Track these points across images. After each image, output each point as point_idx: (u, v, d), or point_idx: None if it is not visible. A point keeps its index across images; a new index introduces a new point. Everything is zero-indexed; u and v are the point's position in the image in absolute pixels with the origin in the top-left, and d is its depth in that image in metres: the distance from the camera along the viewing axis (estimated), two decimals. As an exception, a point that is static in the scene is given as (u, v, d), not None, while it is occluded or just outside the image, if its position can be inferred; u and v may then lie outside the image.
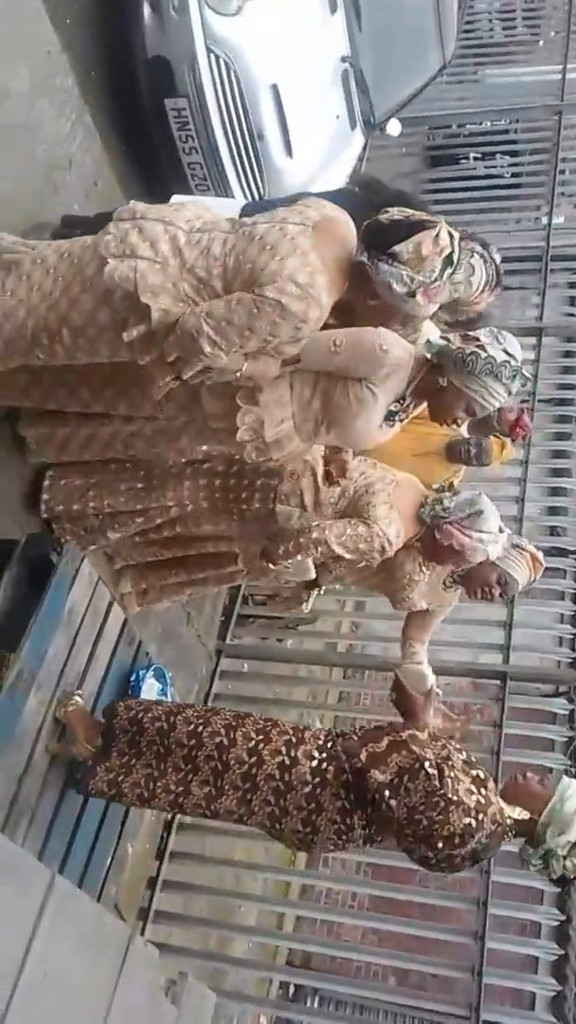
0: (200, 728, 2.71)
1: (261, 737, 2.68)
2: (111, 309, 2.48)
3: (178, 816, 4.14)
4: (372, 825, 2.64)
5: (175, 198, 3.15)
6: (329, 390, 2.65)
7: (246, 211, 3.39)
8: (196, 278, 2.45)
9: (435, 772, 2.47)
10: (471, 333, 2.69)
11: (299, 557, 3.05)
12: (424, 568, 3.32)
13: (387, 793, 2.50)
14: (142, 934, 3.73)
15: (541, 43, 8.77)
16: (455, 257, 2.38)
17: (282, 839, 2.75)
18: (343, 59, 4.57)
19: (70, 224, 3.47)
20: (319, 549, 3.01)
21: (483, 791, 2.50)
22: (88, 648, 3.22)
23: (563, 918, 4.48)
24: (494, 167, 7.82)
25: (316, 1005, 5.89)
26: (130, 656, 3.51)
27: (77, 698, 3.05)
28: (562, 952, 4.53)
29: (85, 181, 3.80)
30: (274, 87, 4.09)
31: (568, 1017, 5.06)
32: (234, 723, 2.72)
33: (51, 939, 2.22)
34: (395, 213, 2.41)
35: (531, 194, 7.24)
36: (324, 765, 2.61)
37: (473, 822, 2.45)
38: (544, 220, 6.67)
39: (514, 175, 7.69)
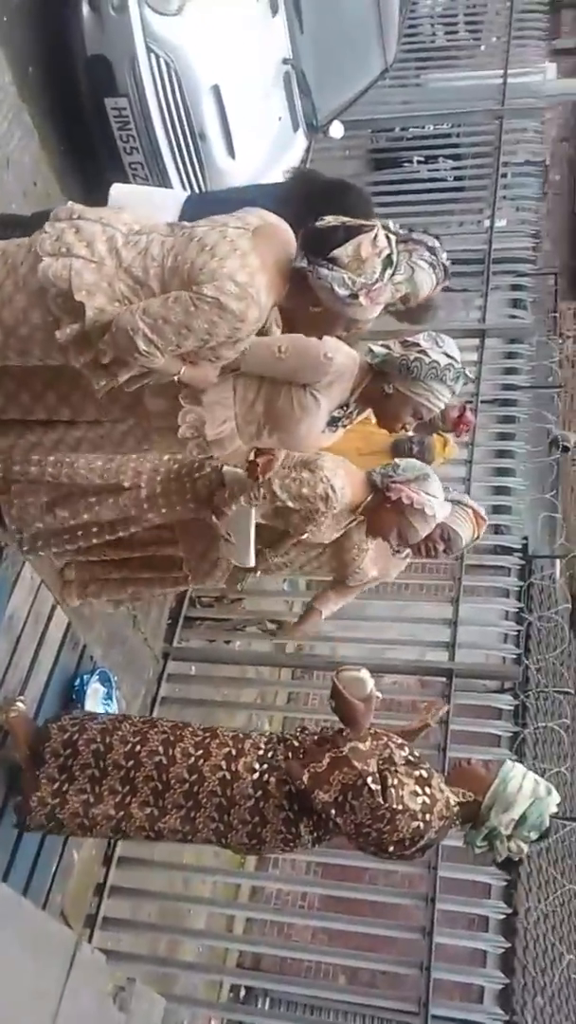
0: (138, 747, 2.68)
1: (200, 752, 2.66)
2: (44, 308, 2.44)
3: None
4: (319, 830, 2.65)
5: (115, 187, 3.13)
6: (272, 395, 2.66)
7: (190, 202, 3.39)
8: (133, 278, 2.43)
9: (378, 787, 2.48)
10: (410, 339, 2.74)
11: (242, 501, 3.01)
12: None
13: (332, 812, 2.52)
14: (90, 941, 3.69)
15: (483, 48, 8.88)
16: (394, 258, 2.39)
17: (230, 848, 2.75)
18: (285, 61, 4.58)
19: (6, 224, 3.42)
20: (262, 492, 3.00)
21: (427, 789, 2.52)
22: (30, 653, 3.20)
23: (510, 911, 4.55)
24: (437, 170, 7.87)
25: (267, 1007, 5.87)
26: (74, 661, 3.48)
27: (19, 704, 3.02)
28: (509, 945, 4.60)
29: (23, 181, 3.76)
30: (215, 88, 4.09)
31: (516, 1009, 5.14)
32: (172, 738, 2.69)
33: (-7, 948, 2.19)
34: (331, 220, 2.41)
35: (473, 197, 7.30)
36: (265, 777, 2.61)
37: (421, 824, 2.48)
38: (486, 223, 6.72)
39: (457, 178, 7.76)
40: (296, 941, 5.58)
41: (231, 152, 4.25)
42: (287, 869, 5.44)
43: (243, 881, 5.58)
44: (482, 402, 5.74)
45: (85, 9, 3.82)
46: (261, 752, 2.65)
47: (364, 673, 2.65)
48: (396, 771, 2.52)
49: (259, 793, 2.59)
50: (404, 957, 4.25)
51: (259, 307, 2.38)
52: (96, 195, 3.29)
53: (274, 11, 4.43)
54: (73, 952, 2.80)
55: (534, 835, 2.56)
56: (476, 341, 5.84)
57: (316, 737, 2.73)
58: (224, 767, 2.62)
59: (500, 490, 5.82)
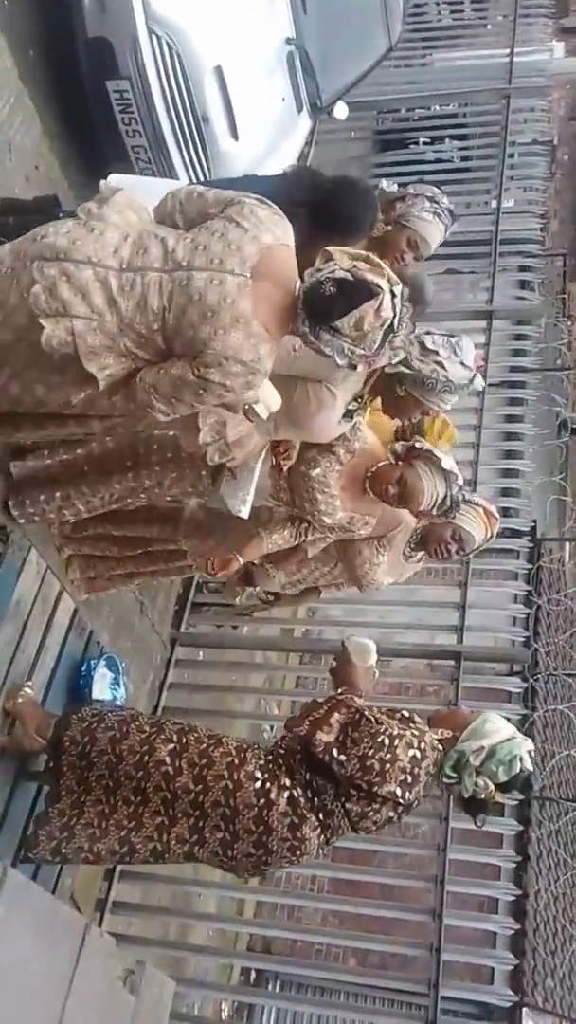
0: (146, 758, 2.69)
1: (204, 761, 2.67)
2: (56, 371, 2.45)
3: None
4: (327, 831, 2.66)
5: (112, 177, 3.09)
6: (288, 389, 2.66)
7: None
8: (137, 334, 2.40)
9: (373, 717, 2.59)
10: (429, 346, 2.74)
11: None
12: (380, 549, 3.33)
13: (335, 751, 2.56)
14: (100, 925, 3.70)
15: (489, 27, 8.79)
16: (395, 323, 2.36)
17: (235, 869, 2.75)
18: (288, 41, 4.54)
19: (7, 210, 3.41)
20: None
21: (412, 724, 2.66)
22: (37, 639, 3.19)
23: (519, 893, 4.55)
24: (443, 151, 7.82)
25: (278, 989, 5.92)
26: (81, 646, 3.48)
27: (27, 689, 3.03)
28: (519, 927, 4.61)
29: (25, 164, 3.74)
30: (218, 69, 4.05)
31: (526, 990, 5.16)
32: (178, 748, 2.70)
33: (5, 932, 2.21)
34: (338, 270, 2.35)
35: (480, 178, 7.25)
36: (267, 785, 2.63)
37: (417, 752, 2.58)
38: (493, 204, 6.68)
39: (463, 159, 7.71)
40: (306, 924, 5.61)
41: (234, 134, 4.22)
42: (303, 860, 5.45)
43: (253, 865, 5.59)
44: (490, 385, 5.70)
45: (85, -10, 3.78)
46: (262, 762, 2.66)
47: (371, 643, 2.81)
48: (380, 713, 2.66)
49: (262, 801, 2.60)
50: (414, 939, 4.27)
51: (265, 372, 2.41)
52: (97, 177, 3.23)
53: (277, -10, 4.39)
54: (83, 936, 2.81)
55: (502, 773, 2.60)
56: (483, 323, 5.80)
57: (312, 700, 2.81)
58: (227, 776, 2.64)
59: (508, 473, 5.79)
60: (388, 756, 2.55)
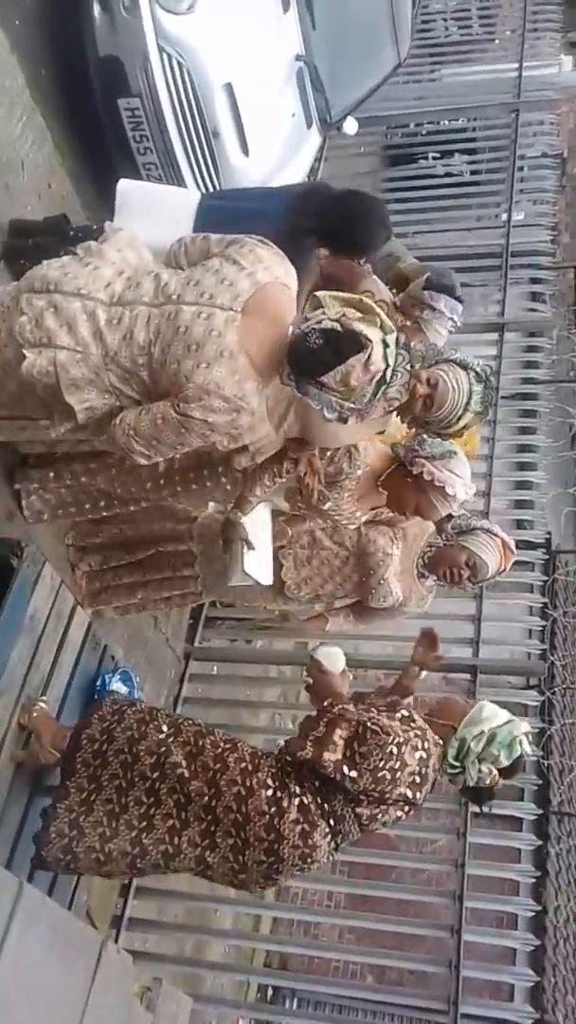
0: (163, 759, 2.67)
1: (218, 766, 2.64)
2: (38, 398, 2.43)
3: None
4: (336, 836, 2.64)
5: (122, 183, 3.12)
6: None
7: (203, 204, 3.38)
8: (122, 368, 2.37)
9: (377, 727, 2.54)
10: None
11: (267, 480, 2.92)
12: (395, 539, 3.33)
13: (345, 768, 2.52)
14: (116, 942, 3.68)
15: (497, 42, 8.83)
16: (389, 374, 2.27)
17: (246, 883, 2.71)
18: (297, 57, 4.57)
19: (19, 232, 3.44)
20: (284, 467, 2.91)
21: (413, 724, 2.61)
22: (52, 653, 3.19)
23: (539, 908, 4.51)
24: (452, 165, 7.85)
25: (295, 1006, 5.87)
26: (95, 661, 3.47)
27: (41, 704, 3.02)
28: (539, 943, 4.56)
29: (38, 182, 3.77)
30: (228, 86, 4.08)
31: (547, 1007, 5.10)
32: (194, 750, 2.68)
33: (21, 948, 2.19)
34: (325, 321, 2.27)
35: (490, 191, 7.27)
36: (278, 794, 2.60)
37: (423, 753, 2.56)
38: (504, 217, 6.69)
39: (473, 173, 7.73)
40: (323, 940, 5.56)
41: (245, 150, 4.25)
42: (313, 868, 5.41)
43: (269, 881, 5.56)
44: (502, 397, 5.70)
45: (96, 10, 3.82)
46: (274, 770, 2.64)
47: (339, 649, 2.80)
48: (379, 715, 2.61)
49: (273, 810, 2.57)
50: (432, 956, 4.22)
51: (251, 412, 2.35)
52: (109, 195, 3.29)
53: (286, 7, 4.42)
54: (99, 952, 2.80)
55: (503, 756, 2.60)
56: (495, 336, 5.81)
57: (306, 717, 2.76)
58: (240, 782, 2.61)
59: (522, 485, 5.77)
60: (398, 764, 2.52)
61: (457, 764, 2.63)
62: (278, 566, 3.50)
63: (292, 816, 2.58)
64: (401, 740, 2.54)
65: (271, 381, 2.39)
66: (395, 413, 2.77)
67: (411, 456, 3.02)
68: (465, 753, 2.62)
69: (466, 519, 3.29)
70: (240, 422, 2.35)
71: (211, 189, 4.23)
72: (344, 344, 2.24)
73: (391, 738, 2.52)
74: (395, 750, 2.52)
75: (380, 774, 2.52)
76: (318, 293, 2.38)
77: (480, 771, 2.61)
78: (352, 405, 2.27)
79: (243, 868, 2.64)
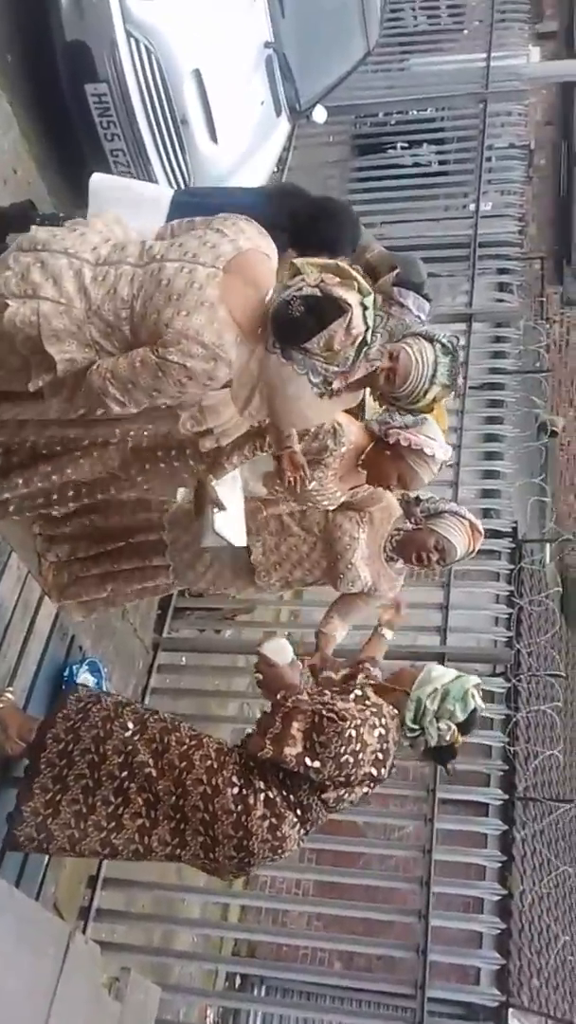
0: (130, 758, 2.66)
1: (184, 764, 2.64)
2: (18, 355, 2.43)
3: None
4: (306, 824, 2.65)
5: (95, 177, 3.09)
6: (264, 357, 2.64)
7: (176, 200, 3.36)
8: (104, 322, 2.39)
9: (332, 715, 2.55)
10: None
11: (246, 451, 2.93)
12: (361, 523, 3.34)
13: (308, 760, 2.53)
14: (84, 932, 3.68)
15: (466, 32, 8.84)
16: (369, 336, 2.34)
17: (219, 872, 2.73)
18: (266, 45, 4.54)
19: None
20: (266, 440, 2.90)
21: (368, 702, 2.64)
22: (19, 643, 3.17)
23: (505, 893, 4.57)
24: (421, 155, 7.87)
25: (263, 994, 5.91)
26: (63, 650, 3.47)
27: (8, 694, 3.01)
28: (505, 927, 4.63)
29: (3, 168, 3.72)
30: (196, 72, 4.05)
31: (512, 990, 5.17)
32: (160, 747, 2.67)
33: (-14, 939, 2.18)
34: (305, 288, 2.33)
35: (458, 182, 7.29)
36: (244, 791, 2.60)
37: (382, 729, 2.59)
38: (472, 207, 6.72)
39: (441, 163, 7.76)
40: (291, 928, 5.60)
41: (213, 137, 4.22)
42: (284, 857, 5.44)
43: (238, 869, 5.58)
44: (470, 387, 5.73)
45: (63, -7, 3.77)
46: (238, 767, 2.64)
47: (285, 641, 2.81)
48: (335, 698, 2.63)
49: (239, 808, 2.58)
50: (400, 941, 4.26)
51: (228, 364, 2.36)
52: (77, 182, 3.26)
53: (255, -6, 4.39)
54: (67, 943, 2.79)
55: (459, 711, 2.66)
56: (463, 326, 5.83)
57: (262, 714, 2.76)
58: (205, 781, 2.61)
59: (489, 474, 5.81)
60: (359, 746, 2.54)
61: (416, 727, 2.68)
62: (246, 552, 3.49)
63: (259, 812, 2.58)
64: (359, 721, 2.55)
65: (247, 342, 2.40)
66: (367, 392, 2.80)
67: (385, 429, 3.04)
68: (422, 713, 2.67)
69: (433, 502, 3.31)
70: (217, 373, 2.35)
71: (179, 175, 4.20)
72: (326, 310, 2.29)
73: (348, 723, 2.53)
74: (353, 733, 2.53)
75: (343, 759, 2.53)
76: (295, 260, 2.43)
77: (439, 728, 2.66)
78: (336, 368, 2.32)
79: (214, 862, 2.66)
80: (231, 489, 3.02)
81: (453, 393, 3.00)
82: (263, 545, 3.55)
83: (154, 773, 2.64)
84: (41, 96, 3.98)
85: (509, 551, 5.74)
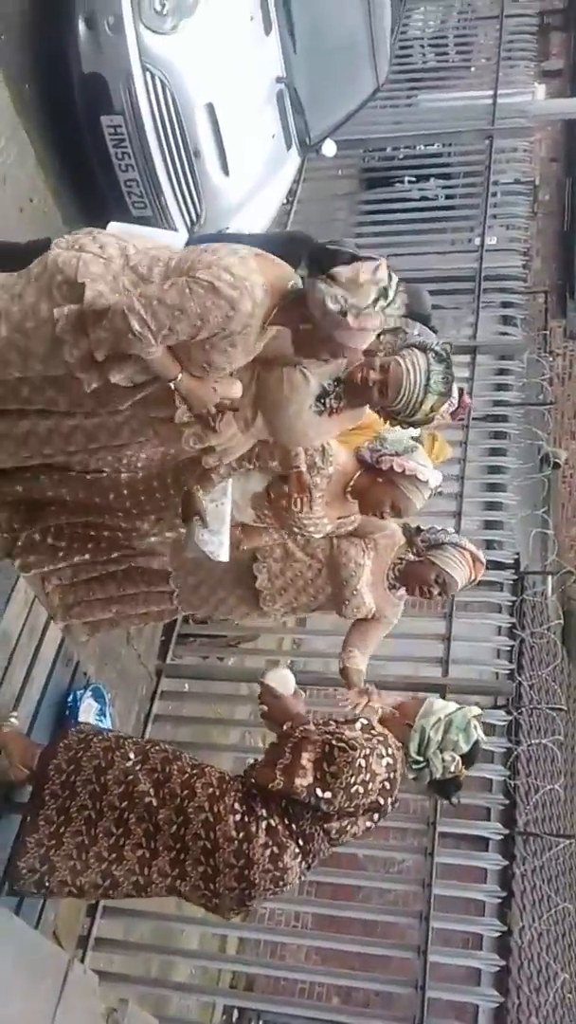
0: (130, 788, 2.65)
1: (185, 792, 2.63)
2: (51, 301, 2.50)
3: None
4: (308, 856, 2.63)
5: (112, 225, 3.13)
6: (265, 375, 2.71)
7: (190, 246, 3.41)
8: (137, 274, 2.49)
9: (342, 744, 2.55)
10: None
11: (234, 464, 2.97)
12: (367, 551, 3.35)
13: (319, 791, 2.52)
14: (82, 961, 3.64)
15: (472, 69, 8.98)
16: (390, 292, 2.41)
17: (219, 909, 2.70)
18: (278, 79, 4.62)
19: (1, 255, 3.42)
20: (255, 451, 2.96)
21: (374, 731, 2.63)
22: (24, 669, 3.18)
23: (504, 930, 4.52)
24: (427, 190, 7.96)
25: (260, 1028, 5.84)
26: (67, 677, 3.47)
27: (12, 720, 3.01)
28: (504, 964, 4.57)
29: (20, 197, 3.77)
30: (210, 105, 4.11)
31: (511, 1029, 5.10)
32: (162, 777, 2.66)
33: (-13, 968, 2.17)
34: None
35: (464, 216, 7.38)
36: (246, 819, 2.59)
37: (389, 759, 2.58)
38: (477, 241, 6.80)
39: (447, 197, 7.84)
40: (289, 961, 5.54)
41: (225, 169, 4.28)
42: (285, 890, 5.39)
43: (235, 900, 5.53)
44: (474, 419, 5.76)
45: (81, 28, 3.84)
46: (240, 794, 2.63)
47: (287, 671, 2.83)
48: (342, 728, 2.62)
49: (241, 835, 2.57)
50: (399, 976, 4.22)
51: (252, 300, 2.40)
52: (92, 212, 3.30)
53: (268, 30, 4.47)
54: (65, 972, 2.78)
55: (462, 741, 2.66)
56: (467, 358, 5.88)
57: (269, 745, 2.75)
58: (207, 808, 2.60)
59: (492, 506, 5.83)
60: (368, 776, 2.54)
61: (420, 759, 2.68)
62: (251, 578, 3.51)
63: (261, 840, 2.57)
64: (367, 750, 2.55)
65: (273, 298, 2.46)
66: (367, 409, 2.85)
67: (376, 456, 3.05)
68: (426, 744, 2.67)
69: (434, 532, 3.32)
70: (241, 305, 2.38)
71: (192, 207, 4.26)
72: (359, 255, 2.41)
73: (358, 752, 2.53)
74: (363, 762, 2.53)
75: (353, 789, 2.52)
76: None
77: (444, 760, 2.66)
78: (354, 302, 2.35)
79: (215, 894, 2.63)
80: (222, 507, 3.02)
81: (449, 402, 3.00)
82: (268, 571, 3.56)
83: (154, 803, 2.63)
84: (58, 127, 4.04)
85: (511, 583, 5.74)
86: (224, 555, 2.98)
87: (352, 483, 3.12)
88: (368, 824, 2.65)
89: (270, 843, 2.58)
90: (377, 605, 3.45)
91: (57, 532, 3.30)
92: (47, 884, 2.68)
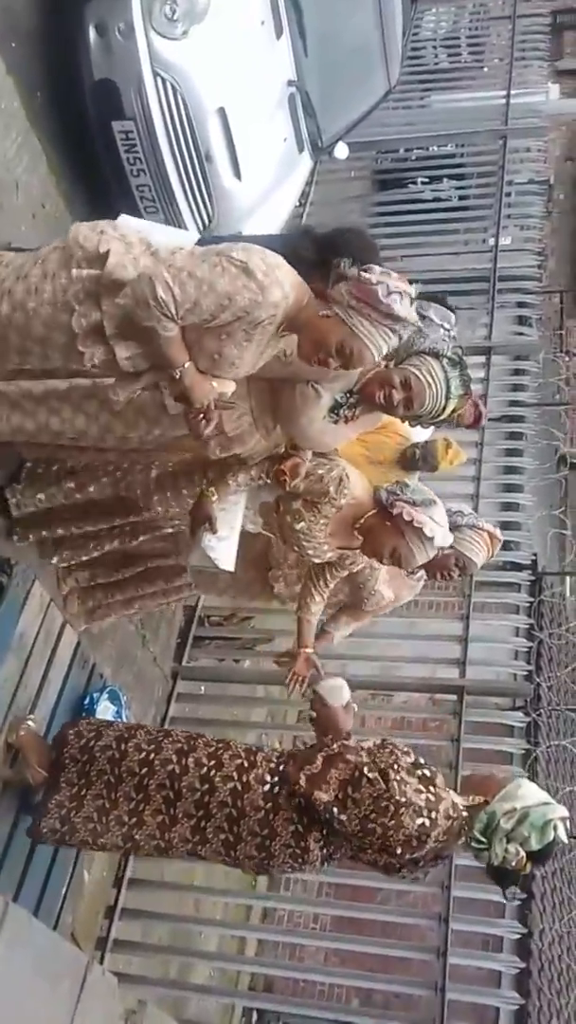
0: (151, 755, 2.68)
1: (213, 762, 2.65)
2: (67, 272, 2.49)
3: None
4: (329, 845, 2.62)
5: (122, 218, 3.14)
6: (281, 387, 2.74)
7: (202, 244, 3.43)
8: (157, 258, 2.50)
9: (376, 776, 2.48)
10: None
11: (244, 478, 2.96)
12: None
13: (335, 810, 2.50)
14: (101, 963, 3.65)
15: (486, 69, 8.97)
16: (413, 299, 2.44)
17: (239, 866, 2.72)
18: (289, 83, 4.62)
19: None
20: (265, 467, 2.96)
21: (432, 788, 2.51)
22: (40, 672, 3.19)
23: (525, 931, 4.50)
24: (441, 191, 7.95)
25: (280, 1030, 5.83)
26: (83, 679, 3.48)
27: (29, 722, 3.02)
28: (524, 966, 4.55)
29: (32, 203, 3.79)
30: (221, 110, 4.12)
31: (532, 1031, 5.07)
32: (186, 747, 2.69)
33: (5, 968, 2.18)
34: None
35: (478, 217, 7.35)
36: (276, 789, 2.59)
37: (427, 821, 2.45)
38: (491, 242, 6.77)
39: (461, 198, 7.83)
40: (308, 963, 5.53)
41: (237, 174, 4.28)
42: (299, 890, 5.40)
43: (254, 903, 5.53)
44: (489, 419, 5.74)
45: (92, 34, 3.86)
46: (273, 765, 2.64)
47: (343, 682, 2.79)
48: (399, 768, 2.51)
49: (269, 805, 2.57)
50: (418, 978, 4.21)
51: (281, 289, 2.38)
52: (103, 217, 3.29)
53: (278, 34, 4.47)
54: (84, 974, 2.78)
55: (534, 839, 2.45)
56: (483, 359, 5.86)
57: (306, 747, 2.76)
58: (236, 778, 2.61)
59: (508, 506, 5.81)
60: (392, 823, 2.44)
61: (483, 840, 2.49)
62: (270, 587, 3.56)
63: (286, 815, 2.57)
64: (404, 801, 2.44)
65: (299, 293, 2.45)
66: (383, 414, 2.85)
67: (392, 499, 2.99)
68: (493, 829, 2.48)
69: (452, 514, 3.28)
70: (270, 294, 2.35)
71: (204, 211, 4.26)
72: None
73: (390, 795, 2.44)
74: (392, 808, 2.44)
75: (370, 826, 2.47)
76: None
77: (507, 851, 2.46)
78: (391, 281, 2.37)
79: (235, 861, 2.65)
80: (232, 514, 3.02)
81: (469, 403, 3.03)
82: (284, 579, 3.58)
83: (177, 769, 2.65)
84: (70, 133, 4.06)
85: (529, 584, 5.71)
86: (229, 564, 2.96)
87: (363, 519, 3.09)
88: (382, 861, 2.54)
89: (295, 820, 2.57)
90: (396, 594, 3.48)
91: (83, 518, 3.31)
92: (68, 842, 2.73)
